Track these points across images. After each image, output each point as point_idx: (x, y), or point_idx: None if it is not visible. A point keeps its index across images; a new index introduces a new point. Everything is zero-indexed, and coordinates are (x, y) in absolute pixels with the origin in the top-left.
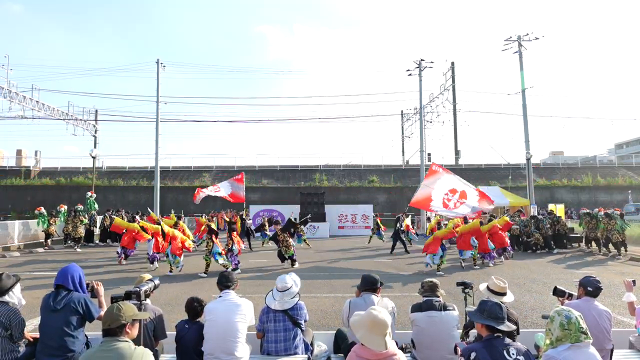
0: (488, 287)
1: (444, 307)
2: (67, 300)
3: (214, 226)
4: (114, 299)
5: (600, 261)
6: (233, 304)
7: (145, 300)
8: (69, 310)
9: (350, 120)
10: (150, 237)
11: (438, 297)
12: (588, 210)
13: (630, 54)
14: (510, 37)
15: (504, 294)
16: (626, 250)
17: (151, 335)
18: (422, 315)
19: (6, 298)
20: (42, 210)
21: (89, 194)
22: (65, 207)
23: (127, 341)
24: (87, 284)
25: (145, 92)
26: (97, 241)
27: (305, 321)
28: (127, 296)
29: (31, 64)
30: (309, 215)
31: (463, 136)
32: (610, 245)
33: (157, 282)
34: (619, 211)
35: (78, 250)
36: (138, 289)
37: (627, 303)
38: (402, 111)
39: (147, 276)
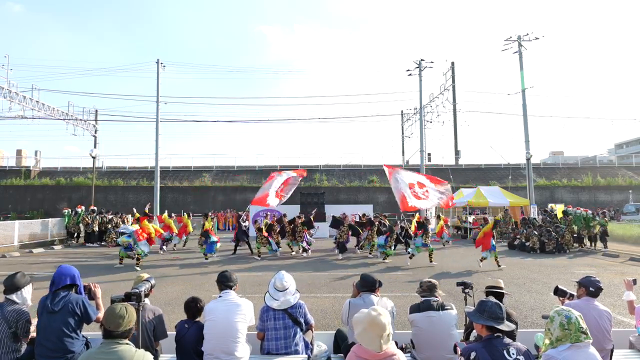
0: (487, 288)
1: (442, 307)
2: (65, 301)
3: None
4: (114, 301)
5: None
6: (233, 304)
7: (144, 300)
8: (67, 312)
9: (350, 120)
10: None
11: (436, 297)
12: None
13: (630, 54)
14: (510, 37)
15: (500, 287)
16: (595, 245)
17: (151, 335)
18: (421, 316)
19: (13, 297)
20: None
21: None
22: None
23: (127, 344)
24: (85, 286)
25: (145, 92)
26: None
27: (307, 324)
28: (127, 297)
29: (31, 64)
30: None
31: (463, 136)
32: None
33: (153, 282)
34: (585, 210)
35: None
36: (137, 290)
37: (627, 302)
38: (402, 111)
39: (145, 276)
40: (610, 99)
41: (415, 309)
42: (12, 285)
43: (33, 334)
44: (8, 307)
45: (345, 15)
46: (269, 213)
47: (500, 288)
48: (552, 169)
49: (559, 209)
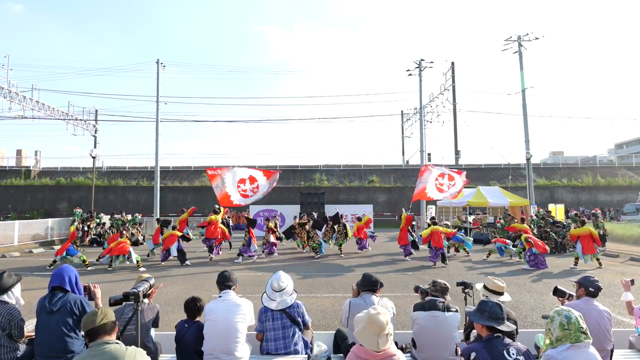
0: (485, 287)
1: (448, 309)
2: (64, 301)
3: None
4: (112, 301)
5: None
6: (233, 304)
7: (142, 300)
8: (66, 312)
9: (350, 120)
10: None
11: (444, 299)
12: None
13: (630, 54)
14: (510, 37)
15: (501, 294)
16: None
17: (149, 333)
18: (425, 315)
19: (4, 297)
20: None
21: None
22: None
23: (117, 343)
24: (85, 286)
25: (145, 92)
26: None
27: (305, 324)
28: (125, 297)
29: (31, 64)
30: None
31: (463, 136)
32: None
33: (152, 281)
34: (596, 210)
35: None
36: (136, 290)
37: (625, 302)
38: (402, 111)
39: (145, 275)
40: (610, 99)
41: (420, 307)
42: (0, 286)
43: (31, 334)
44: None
45: (345, 15)
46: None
47: (501, 289)
48: (552, 169)
49: (559, 209)
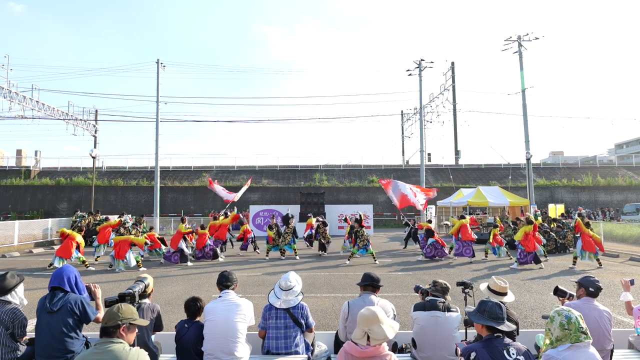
0: (489, 287)
1: (448, 309)
2: (64, 301)
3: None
4: (108, 302)
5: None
6: (233, 304)
7: (138, 300)
8: (66, 312)
9: (350, 120)
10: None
11: (445, 299)
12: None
13: (630, 54)
14: (510, 37)
15: (504, 294)
16: None
17: (150, 333)
18: (425, 315)
19: (8, 297)
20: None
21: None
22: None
23: (121, 342)
24: (86, 287)
25: (145, 92)
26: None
27: (308, 327)
28: (121, 298)
29: (31, 64)
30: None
31: (463, 136)
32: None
33: (146, 282)
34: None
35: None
36: (131, 291)
37: (625, 302)
38: (402, 111)
39: (142, 276)
40: (610, 99)
41: (421, 307)
42: (4, 286)
43: (32, 334)
44: (2, 308)
45: (345, 15)
46: (274, 214)
47: (504, 290)
48: (552, 169)
49: (559, 209)
